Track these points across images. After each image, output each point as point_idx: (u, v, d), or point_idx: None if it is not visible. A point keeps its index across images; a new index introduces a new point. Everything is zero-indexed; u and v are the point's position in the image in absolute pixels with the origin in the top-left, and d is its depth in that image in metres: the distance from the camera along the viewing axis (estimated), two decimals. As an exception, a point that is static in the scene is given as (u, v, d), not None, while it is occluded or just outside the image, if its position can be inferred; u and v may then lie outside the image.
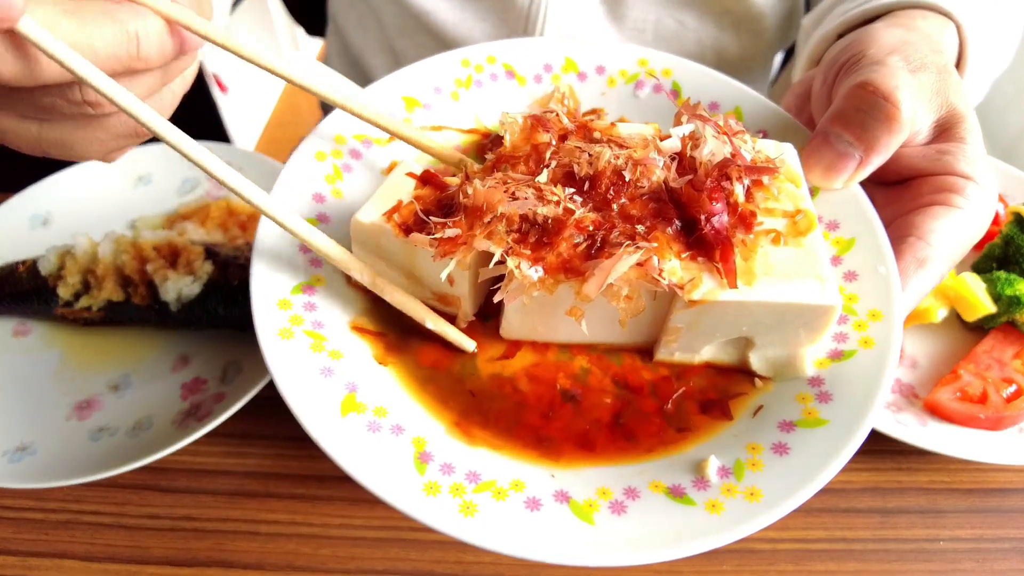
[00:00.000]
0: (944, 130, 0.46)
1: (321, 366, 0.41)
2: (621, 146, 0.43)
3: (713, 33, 0.81)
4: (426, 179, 0.44)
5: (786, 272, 0.40)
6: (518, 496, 0.38)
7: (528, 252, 0.39)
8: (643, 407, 0.43)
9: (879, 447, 0.62)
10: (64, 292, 0.68)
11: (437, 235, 0.39)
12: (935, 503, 0.61)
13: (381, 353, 0.44)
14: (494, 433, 0.41)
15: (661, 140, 0.43)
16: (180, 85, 0.42)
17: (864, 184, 0.47)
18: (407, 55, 0.89)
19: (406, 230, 0.41)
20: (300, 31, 1.25)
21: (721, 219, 0.40)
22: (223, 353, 0.68)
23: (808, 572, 0.57)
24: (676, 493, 0.38)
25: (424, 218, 0.40)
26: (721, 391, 0.43)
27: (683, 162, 0.42)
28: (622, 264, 0.37)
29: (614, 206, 0.41)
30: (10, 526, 0.60)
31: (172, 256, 0.68)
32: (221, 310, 0.66)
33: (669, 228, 0.40)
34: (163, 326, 0.69)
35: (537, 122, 0.44)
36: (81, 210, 0.80)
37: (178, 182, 0.82)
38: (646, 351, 0.45)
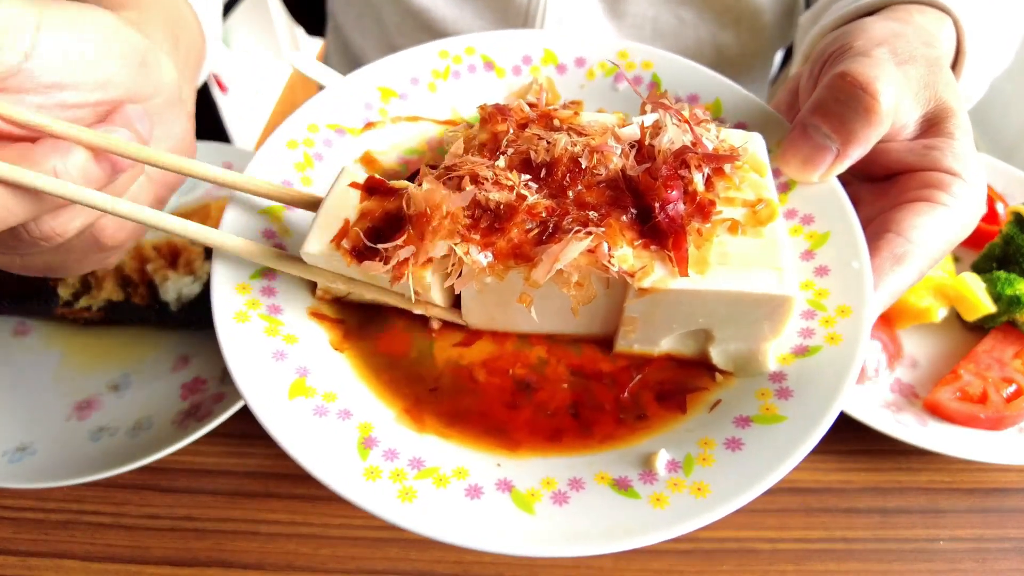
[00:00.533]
0: (932, 125, 0.45)
1: (274, 349, 0.41)
2: (580, 134, 0.42)
3: (712, 30, 0.81)
4: (371, 188, 0.42)
5: (742, 262, 0.39)
6: (459, 483, 0.37)
7: (478, 238, 0.38)
8: (599, 397, 0.42)
9: (879, 447, 0.62)
10: (64, 292, 0.68)
11: (391, 261, 0.38)
12: (935, 503, 0.61)
13: (338, 339, 0.44)
14: (445, 421, 0.41)
15: (622, 128, 0.42)
16: (163, 185, 0.46)
17: (850, 179, 0.46)
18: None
19: (358, 256, 0.40)
20: (300, 31, 1.25)
21: (676, 207, 0.39)
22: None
23: (808, 572, 0.57)
24: (621, 485, 0.37)
25: (369, 244, 0.39)
26: (679, 384, 0.43)
27: (642, 150, 0.41)
28: (571, 249, 0.37)
29: (570, 193, 0.40)
30: (10, 526, 0.60)
31: (172, 256, 0.68)
32: (221, 310, 0.66)
33: (624, 216, 0.39)
34: (163, 326, 0.69)
35: (497, 111, 0.44)
36: (81, 210, 0.80)
37: (178, 182, 0.82)
38: (607, 342, 0.45)
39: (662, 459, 0.38)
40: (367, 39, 0.94)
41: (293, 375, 0.40)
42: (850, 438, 0.63)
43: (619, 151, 0.41)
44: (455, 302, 0.45)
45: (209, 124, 1.36)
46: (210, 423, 0.60)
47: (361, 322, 0.45)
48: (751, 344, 0.41)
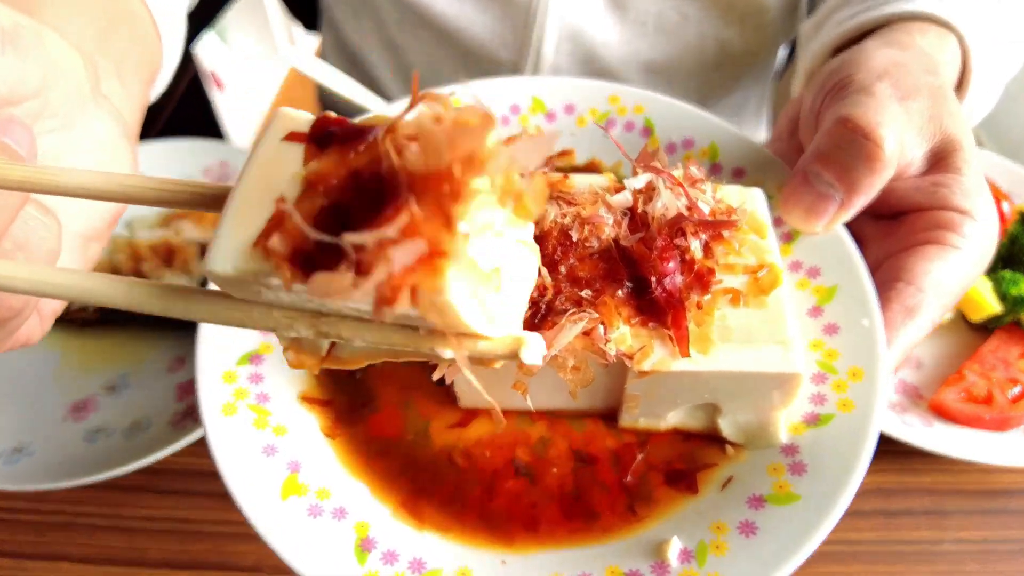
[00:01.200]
0: (939, 160, 0.44)
1: (264, 444, 0.40)
2: (570, 203, 0.40)
3: (716, 25, 0.80)
4: (322, 135, 0.24)
5: (746, 337, 0.38)
6: None
7: None
8: (604, 479, 0.41)
9: (884, 448, 0.61)
10: (60, 292, 0.68)
11: (372, 269, 0.20)
12: (940, 504, 0.60)
13: (329, 425, 0.42)
14: (443, 514, 0.39)
15: (615, 193, 0.40)
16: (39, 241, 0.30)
17: (857, 217, 0.45)
18: (407, 49, 0.88)
19: (302, 265, 0.22)
20: (297, 28, 1.24)
21: (673, 280, 0.37)
22: (221, 353, 0.67)
23: (813, 574, 0.56)
24: None
25: (324, 239, 0.21)
26: (689, 460, 0.41)
27: (635, 218, 0.39)
28: (565, 335, 0.35)
29: (561, 268, 0.38)
30: (6, 528, 0.59)
31: (168, 256, 0.67)
32: (218, 310, 0.65)
33: (619, 291, 0.38)
34: (159, 327, 0.69)
35: None
36: (77, 208, 0.79)
37: (175, 180, 0.81)
38: (611, 415, 0.43)
39: (674, 548, 0.37)
40: (364, 36, 0.93)
41: (285, 471, 0.39)
42: (854, 439, 0.63)
43: (611, 220, 0.39)
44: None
45: (206, 121, 1.35)
46: (208, 424, 0.60)
47: (352, 401, 0.43)
48: (760, 415, 0.40)
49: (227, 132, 1.30)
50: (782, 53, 0.97)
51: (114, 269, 0.67)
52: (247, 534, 0.59)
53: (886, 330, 0.40)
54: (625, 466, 0.41)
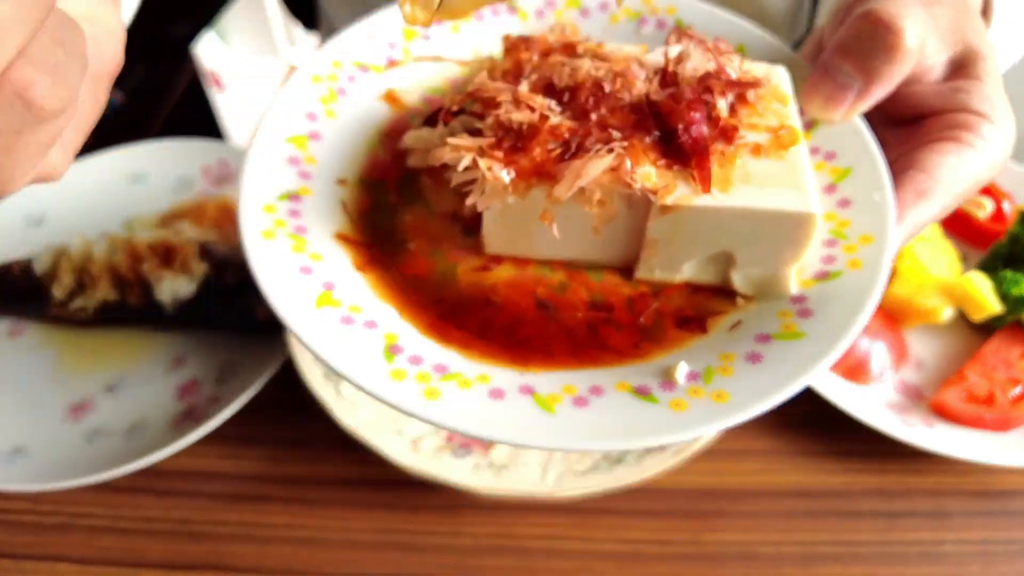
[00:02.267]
0: (959, 67, 0.44)
1: (300, 265, 0.41)
2: (604, 60, 0.43)
3: None
4: None
5: (764, 181, 0.40)
6: (482, 387, 0.38)
7: (500, 155, 0.39)
8: (618, 320, 0.43)
9: (885, 449, 0.61)
10: (58, 292, 0.67)
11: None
12: (941, 505, 0.60)
13: (361, 262, 0.44)
14: (467, 336, 0.42)
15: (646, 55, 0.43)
16: None
17: (875, 123, 0.46)
18: None
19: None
20: (297, 28, 1.24)
21: (700, 129, 0.40)
22: (219, 354, 0.67)
23: (814, 574, 0.56)
24: (641, 392, 0.38)
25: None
26: (700, 309, 0.43)
27: (666, 77, 0.43)
28: (594, 165, 0.38)
29: (593, 116, 0.41)
30: (5, 529, 0.59)
31: (167, 256, 0.67)
32: (217, 310, 0.65)
33: (647, 138, 0.40)
34: (158, 327, 0.69)
35: (521, 40, 0.45)
36: (75, 209, 0.79)
37: (173, 181, 0.81)
38: (627, 271, 0.45)
39: (682, 370, 0.38)
40: None
41: (320, 288, 0.41)
42: (855, 440, 0.62)
43: (643, 76, 0.42)
44: (468, 218, 0.45)
45: (206, 121, 1.35)
46: (206, 425, 0.59)
47: (384, 246, 0.46)
48: (773, 268, 0.41)
49: (227, 132, 1.29)
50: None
51: (113, 269, 0.67)
52: (246, 535, 0.59)
53: (897, 208, 0.42)
54: (639, 312, 0.43)
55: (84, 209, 0.79)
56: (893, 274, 0.68)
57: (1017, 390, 0.62)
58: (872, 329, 0.65)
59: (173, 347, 0.68)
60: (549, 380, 0.39)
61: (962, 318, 0.67)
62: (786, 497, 0.60)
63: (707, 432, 0.36)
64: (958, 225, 0.74)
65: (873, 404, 0.62)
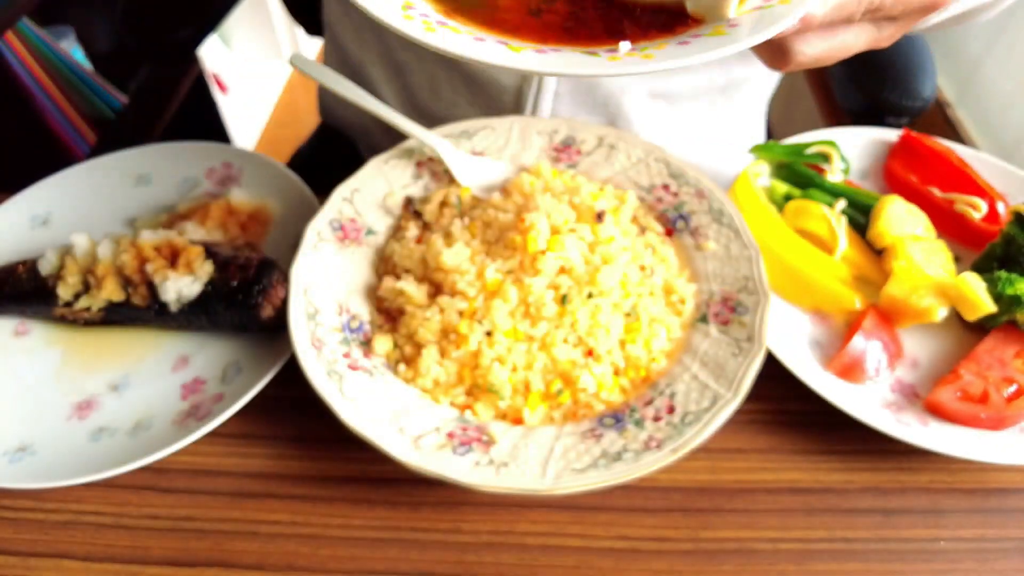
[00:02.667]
0: None
1: None
2: None
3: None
4: None
5: None
6: (470, 35, 0.45)
7: None
8: (591, 23, 0.50)
9: (880, 447, 0.62)
10: (64, 292, 0.68)
11: None
12: (936, 503, 0.61)
13: None
14: (470, 20, 0.48)
15: None
16: None
17: None
18: (409, 67, 0.89)
19: None
20: (299, 31, 1.25)
21: None
22: (223, 353, 0.68)
23: (810, 572, 0.57)
24: (591, 52, 0.46)
25: None
26: (661, 25, 0.50)
27: None
28: None
29: None
30: (10, 526, 0.60)
31: (172, 256, 0.68)
32: (221, 310, 0.66)
33: None
34: (163, 326, 0.69)
35: None
36: (81, 210, 0.80)
37: (178, 181, 0.82)
38: None
39: (624, 46, 0.46)
40: (366, 51, 0.93)
41: None
42: (851, 438, 0.63)
43: None
44: None
45: (209, 124, 1.36)
46: (210, 423, 0.60)
47: None
48: None
49: (230, 134, 1.30)
50: (774, 81, 0.98)
51: (118, 269, 0.68)
52: (250, 532, 0.60)
53: None
54: (613, 18, 0.50)
55: (89, 210, 0.80)
56: (889, 274, 0.68)
57: (1011, 389, 0.62)
58: (868, 329, 0.65)
59: (178, 346, 0.69)
60: (523, 44, 0.47)
61: (957, 317, 0.68)
62: (782, 494, 0.61)
63: (632, 72, 0.44)
64: (952, 226, 0.75)
65: (869, 403, 0.62)
